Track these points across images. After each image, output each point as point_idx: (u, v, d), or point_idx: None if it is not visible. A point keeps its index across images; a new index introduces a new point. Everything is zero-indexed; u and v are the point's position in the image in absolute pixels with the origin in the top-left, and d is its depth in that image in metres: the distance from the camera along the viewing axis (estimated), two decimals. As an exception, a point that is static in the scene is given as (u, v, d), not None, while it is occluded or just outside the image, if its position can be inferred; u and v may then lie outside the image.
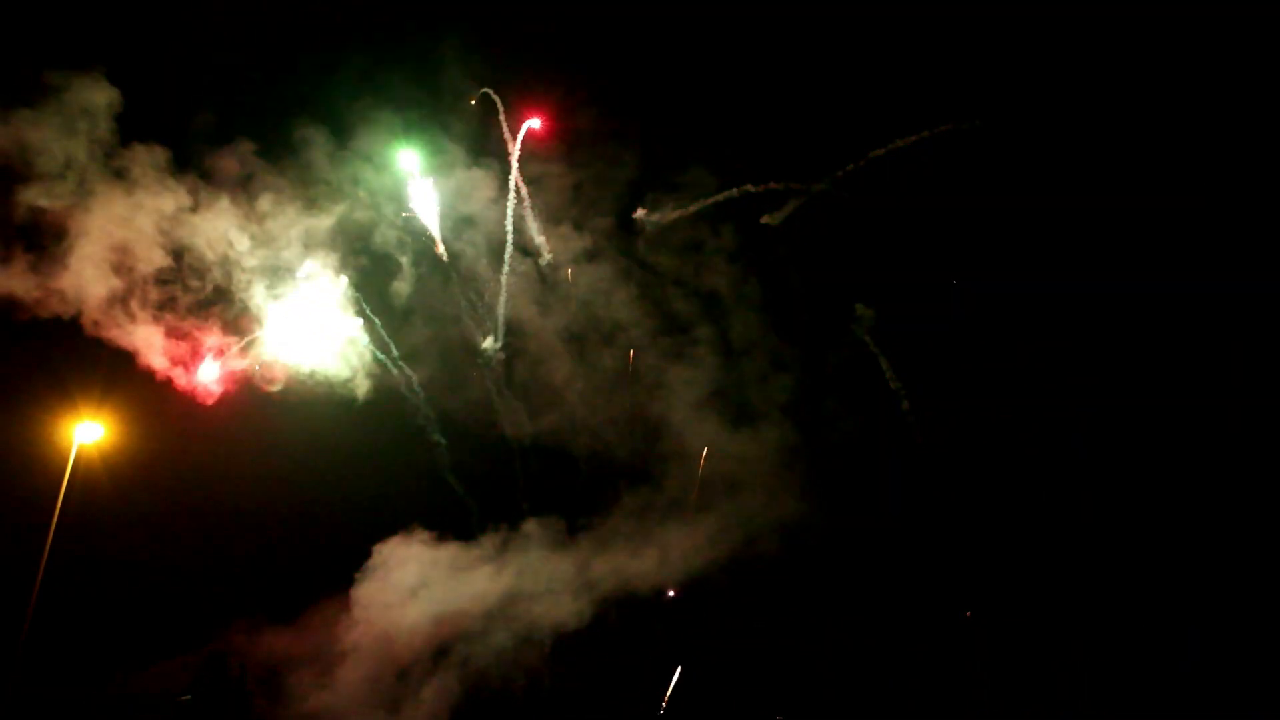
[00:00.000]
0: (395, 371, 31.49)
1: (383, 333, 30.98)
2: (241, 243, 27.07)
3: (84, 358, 25.30)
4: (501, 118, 31.32)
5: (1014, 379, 32.24)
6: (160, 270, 25.83)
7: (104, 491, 25.75)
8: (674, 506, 33.79)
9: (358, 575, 29.32)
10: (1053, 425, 32.54)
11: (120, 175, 24.88)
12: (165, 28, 27.76)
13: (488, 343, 33.03)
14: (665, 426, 34.14)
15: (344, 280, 29.52)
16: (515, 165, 31.20)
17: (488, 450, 33.52)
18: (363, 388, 29.99)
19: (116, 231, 24.66)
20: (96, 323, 24.99)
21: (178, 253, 26.16)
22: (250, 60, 29.52)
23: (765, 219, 32.49)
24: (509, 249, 32.29)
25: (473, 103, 31.45)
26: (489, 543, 31.46)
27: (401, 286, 31.39)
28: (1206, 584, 29.17)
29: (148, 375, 26.10)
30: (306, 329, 28.85)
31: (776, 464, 33.71)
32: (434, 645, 29.35)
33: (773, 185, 32.18)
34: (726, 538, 32.80)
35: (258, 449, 29.64)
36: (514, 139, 31.20)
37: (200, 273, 26.72)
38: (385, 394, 31.36)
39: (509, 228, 31.94)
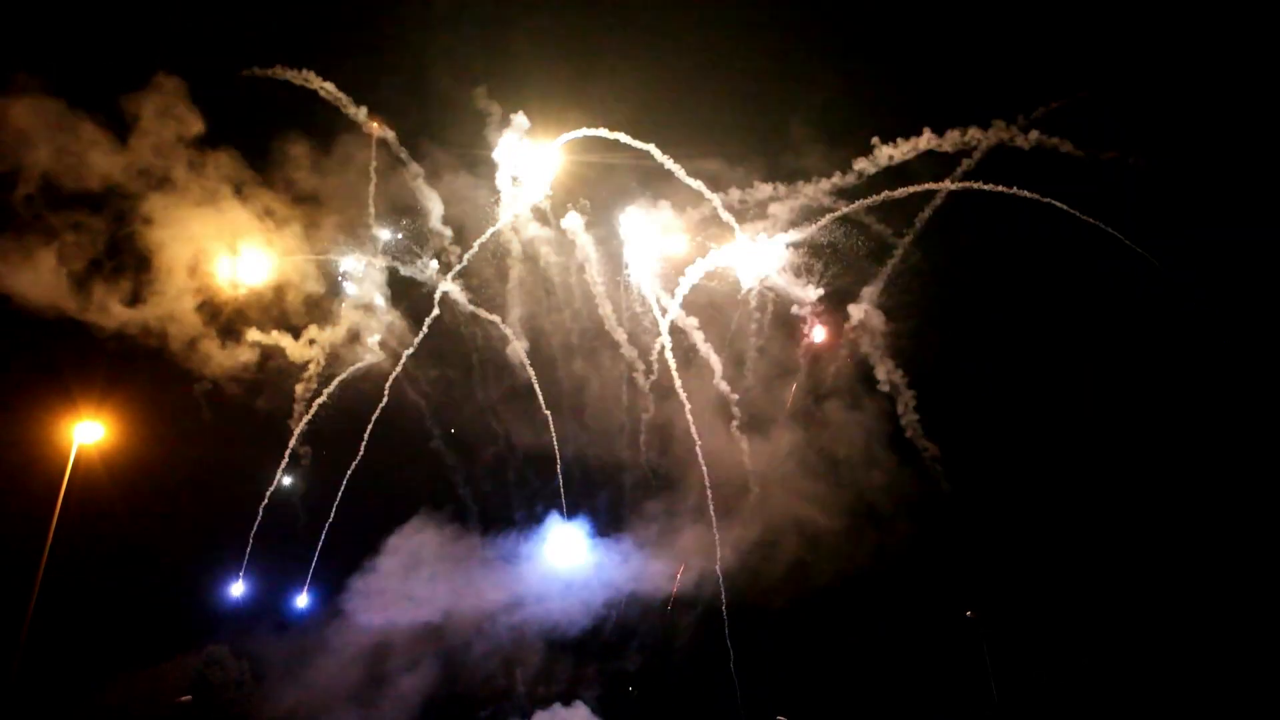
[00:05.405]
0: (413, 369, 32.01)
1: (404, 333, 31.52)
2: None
3: (84, 358, 25.50)
4: (495, 121, 31.44)
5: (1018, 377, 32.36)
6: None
7: (104, 491, 25.90)
8: (683, 511, 33.96)
9: (361, 572, 29.57)
10: (1056, 424, 32.57)
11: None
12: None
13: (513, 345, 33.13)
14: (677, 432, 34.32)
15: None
16: (510, 167, 31.28)
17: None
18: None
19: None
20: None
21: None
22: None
23: None
24: (514, 251, 32.56)
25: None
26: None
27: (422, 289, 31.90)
28: (1208, 583, 29.09)
29: (147, 375, 26.38)
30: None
31: (781, 467, 33.81)
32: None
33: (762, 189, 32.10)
34: (735, 541, 32.93)
35: (259, 447, 29.86)
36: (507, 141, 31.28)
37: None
38: (398, 392, 31.78)
39: (512, 230, 32.19)
